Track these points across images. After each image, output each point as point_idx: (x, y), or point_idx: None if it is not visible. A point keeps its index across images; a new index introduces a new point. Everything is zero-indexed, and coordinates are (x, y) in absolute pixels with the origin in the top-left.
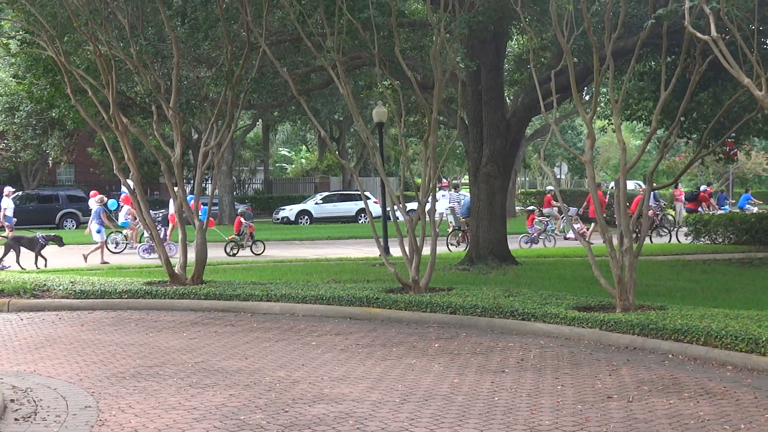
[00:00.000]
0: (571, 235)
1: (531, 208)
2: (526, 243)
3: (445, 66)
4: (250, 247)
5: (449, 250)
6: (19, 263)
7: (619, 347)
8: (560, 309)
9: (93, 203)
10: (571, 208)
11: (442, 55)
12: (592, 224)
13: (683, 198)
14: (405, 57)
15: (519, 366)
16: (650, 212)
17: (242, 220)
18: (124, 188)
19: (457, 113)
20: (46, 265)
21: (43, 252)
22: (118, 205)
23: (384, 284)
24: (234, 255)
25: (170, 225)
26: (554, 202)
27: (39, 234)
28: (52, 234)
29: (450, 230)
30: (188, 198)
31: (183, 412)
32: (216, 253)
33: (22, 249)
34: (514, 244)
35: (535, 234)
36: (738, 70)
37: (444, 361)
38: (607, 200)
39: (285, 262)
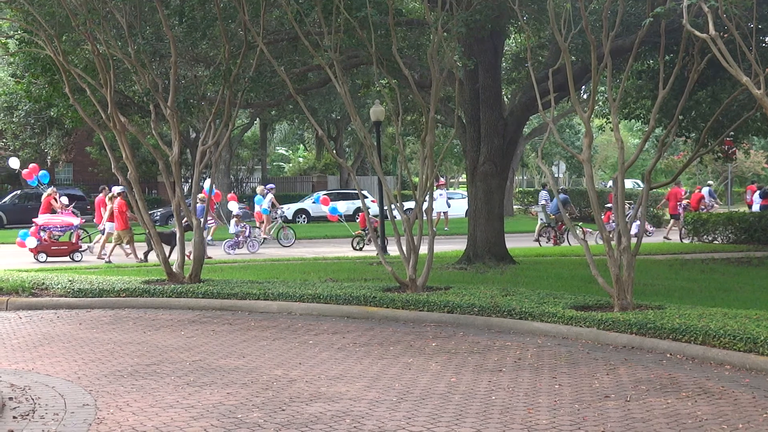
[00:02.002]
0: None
1: (609, 205)
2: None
3: (443, 65)
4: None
5: (539, 245)
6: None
7: (617, 346)
8: (558, 308)
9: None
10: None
11: (439, 53)
12: (672, 221)
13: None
14: (402, 56)
15: (516, 365)
16: (705, 209)
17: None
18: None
19: (455, 112)
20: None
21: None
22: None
23: (381, 283)
24: (360, 249)
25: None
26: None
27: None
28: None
29: (538, 227)
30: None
31: (180, 411)
32: (214, 252)
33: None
34: (513, 243)
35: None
36: (736, 68)
37: (441, 360)
38: (683, 195)
39: (282, 260)
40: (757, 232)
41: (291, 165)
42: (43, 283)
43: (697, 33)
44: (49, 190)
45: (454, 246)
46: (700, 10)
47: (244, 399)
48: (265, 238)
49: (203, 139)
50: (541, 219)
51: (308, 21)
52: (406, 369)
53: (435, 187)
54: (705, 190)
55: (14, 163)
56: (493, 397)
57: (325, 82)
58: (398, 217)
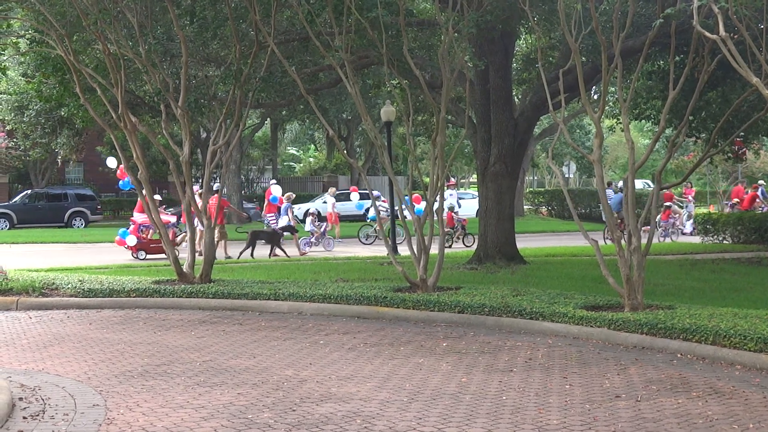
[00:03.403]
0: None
1: (668, 204)
2: (663, 237)
3: (453, 65)
4: (462, 239)
5: (605, 243)
6: (251, 254)
7: (628, 347)
8: (568, 308)
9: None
10: (689, 204)
11: (450, 54)
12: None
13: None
14: (413, 56)
15: (527, 365)
16: (765, 208)
17: (453, 215)
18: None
19: (465, 112)
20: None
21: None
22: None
23: (392, 283)
24: (449, 246)
25: (327, 222)
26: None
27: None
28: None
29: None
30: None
31: (191, 411)
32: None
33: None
34: (524, 243)
35: (669, 228)
36: (747, 69)
37: (452, 360)
38: (753, 194)
39: (293, 260)
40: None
41: (302, 165)
42: (53, 283)
43: (708, 34)
44: None
45: (464, 246)
46: (710, 11)
47: (255, 399)
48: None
49: (214, 139)
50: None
51: (319, 21)
52: (417, 369)
53: (446, 187)
54: (759, 190)
55: (111, 162)
56: (504, 398)
57: (336, 82)
58: (409, 217)
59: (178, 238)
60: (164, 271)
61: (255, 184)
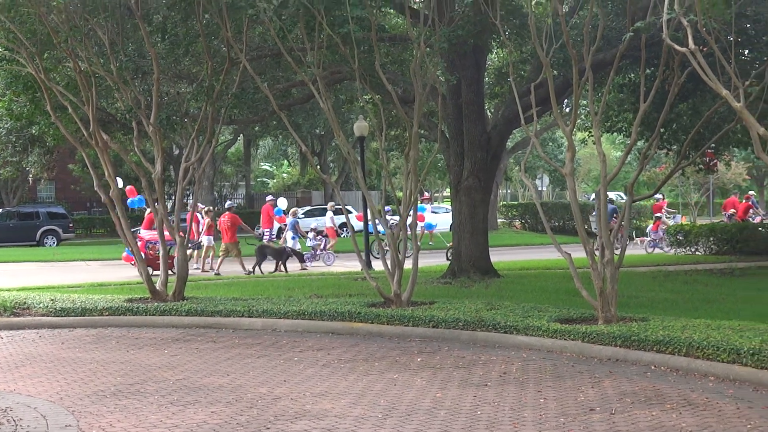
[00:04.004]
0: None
1: (659, 215)
2: (651, 248)
3: (426, 80)
4: None
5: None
6: (260, 269)
7: (602, 359)
8: (542, 321)
9: (289, 216)
10: (676, 216)
11: (422, 69)
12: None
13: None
14: (385, 71)
15: (501, 379)
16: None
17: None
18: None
19: (438, 127)
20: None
21: None
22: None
23: (366, 299)
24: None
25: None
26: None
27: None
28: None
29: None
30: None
31: (164, 430)
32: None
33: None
34: (497, 256)
35: (658, 239)
36: (716, 81)
37: (426, 376)
38: (747, 205)
39: (267, 277)
40: (740, 243)
41: (275, 181)
42: (25, 303)
43: (677, 47)
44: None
45: (438, 260)
46: (679, 24)
47: (229, 417)
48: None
49: (186, 156)
50: (596, 229)
51: (291, 37)
52: (392, 385)
53: (419, 202)
54: (751, 200)
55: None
56: (479, 412)
57: (309, 97)
58: (383, 232)
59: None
60: (137, 289)
61: (228, 201)
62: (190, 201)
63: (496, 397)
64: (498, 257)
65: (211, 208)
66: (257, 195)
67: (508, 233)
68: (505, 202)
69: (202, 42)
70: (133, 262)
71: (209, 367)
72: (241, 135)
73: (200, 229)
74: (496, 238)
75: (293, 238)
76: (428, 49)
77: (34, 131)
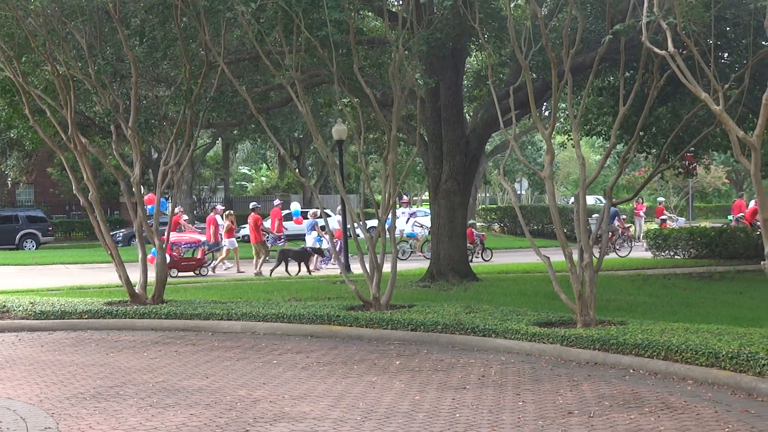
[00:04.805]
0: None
1: (664, 217)
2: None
3: (404, 83)
4: (481, 254)
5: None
6: (288, 271)
7: (580, 362)
8: (521, 325)
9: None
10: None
11: (400, 72)
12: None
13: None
14: (364, 74)
15: (480, 382)
16: None
17: (473, 230)
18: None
19: (417, 130)
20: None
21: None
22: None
23: (345, 302)
24: (470, 261)
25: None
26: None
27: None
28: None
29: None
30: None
31: None
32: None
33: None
34: (476, 260)
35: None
36: (695, 84)
37: (405, 379)
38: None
39: (246, 280)
40: (719, 247)
41: (254, 184)
42: (4, 306)
43: (657, 50)
44: (177, 210)
45: (417, 264)
46: (659, 27)
47: (208, 420)
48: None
49: (165, 159)
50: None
51: (269, 40)
52: (370, 388)
53: (398, 206)
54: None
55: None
56: (457, 415)
57: (287, 101)
58: (361, 236)
59: (207, 256)
60: (116, 292)
61: (207, 204)
62: (253, 203)
63: (475, 400)
64: (477, 261)
65: (232, 211)
66: (236, 199)
67: (487, 237)
68: (484, 206)
69: (180, 45)
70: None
71: (188, 370)
72: (219, 138)
73: (219, 231)
74: None
75: (317, 240)
76: (407, 52)
77: (12, 135)
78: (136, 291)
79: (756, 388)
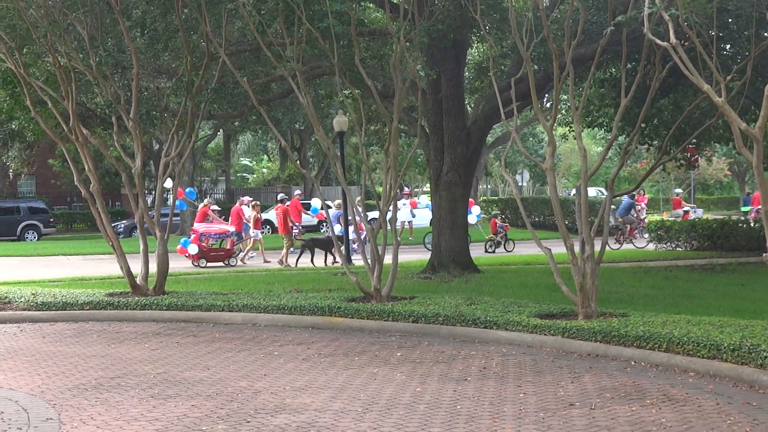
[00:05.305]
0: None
1: (687, 208)
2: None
3: (405, 75)
4: (504, 245)
5: (609, 248)
6: (313, 263)
7: (582, 354)
8: (522, 317)
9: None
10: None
11: (402, 63)
12: None
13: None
14: (365, 66)
15: (481, 374)
16: None
17: (497, 221)
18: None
19: (418, 122)
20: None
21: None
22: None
23: (346, 293)
24: (493, 252)
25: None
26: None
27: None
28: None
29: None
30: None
31: (145, 423)
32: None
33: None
34: (478, 251)
35: None
36: (697, 76)
37: (406, 370)
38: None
39: (247, 271)
40: (720, 239)
41: (255, 176)
42: (6, 297)
43: (659, 41)
44: (206, 201)
45: (418, 255)
46: (661, 18)
47: (209, 411)
48: None
49: (166, 151)
50: (611, 222)
51: (270, 32)
52: (372, 379)
53: (399, 197)
54: None
55: (168, 183)
56: (459, 407)
57: (288, 92)
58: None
59: (236, 247)
60: (118, 283)
61: (208, 196)
62: (281, 195)
63: (476, 392)
64: (478, 252)
65: (258, 201)
66: (237, 190)
67: (487, 228)
68: (485, 198)
69: (182, 37)
70: (187, 254)
71: (190, 361)
72: (220, 130)
73: (244, 222)
74: (477, 233)
75: (342, 232)
76: (408, 43)
77: (14, 126)
78: (138, 282)
79: (758, 381)
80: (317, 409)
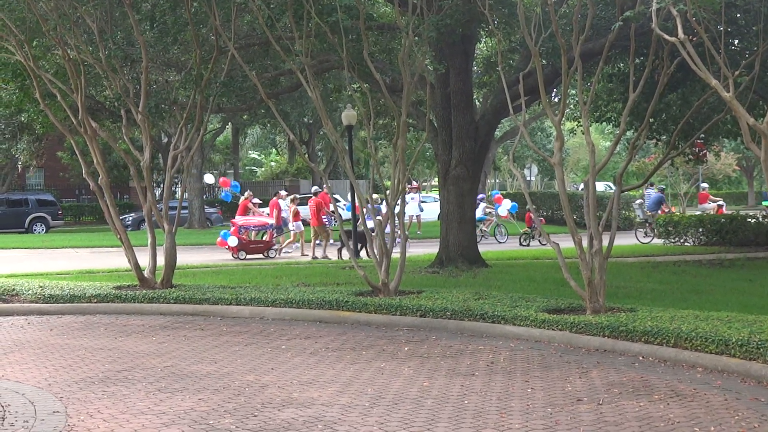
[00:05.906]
0: None
1: (720, 203)
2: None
3: (414, 69)
4: (539, 238)
5: (639, 241)
6: (340, 256)
7: (590, 349)
8: (530, 311)
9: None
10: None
11: (410, 58)
12: None
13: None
14: (373, 60)
15: (489, 369)
16: None
17: (531, 214)
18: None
19: (426, 116)
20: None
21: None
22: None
23: (353, 287)
24: (527, 245)
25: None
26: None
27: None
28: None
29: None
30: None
31: (152, 417)
32: (205, 256)
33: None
34: (485, 246)
35: None
36: (706, 71)
37: (413, 365)
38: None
39: (254, 265)
40: (728, 234)
41: (263, 169)
42: (14, 289)
43: (667, 36)
44: (246, 194)
45: (426, 249)
46: (669, 13)
47: (216, 405)
48: None
49: (175, 144)
50: (639, 215)
51: (279, 26)
52: (379, 374)
53: (407, 191)
54: None
55: (209, 178)
56: (466, 402)
57: (297, 86)
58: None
59: (274, 239)
60: (125, 276)
61: (216, 189)
62: (315, 187)
63: (483, 387)
64: (486, 247)
65: (296, 195)
66: (245, 183)
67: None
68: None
69: (191, 30)
70: (227, 247)
71: (197, 355)
72: (229, 123)
73: (281, 215)
74: (512, 227)
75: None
76: (417, 38)
77: (23, 119)
78: (145, 275)
79: (766, 376)
80: (324, 404)
